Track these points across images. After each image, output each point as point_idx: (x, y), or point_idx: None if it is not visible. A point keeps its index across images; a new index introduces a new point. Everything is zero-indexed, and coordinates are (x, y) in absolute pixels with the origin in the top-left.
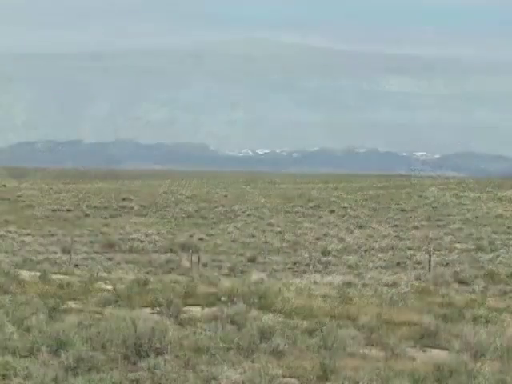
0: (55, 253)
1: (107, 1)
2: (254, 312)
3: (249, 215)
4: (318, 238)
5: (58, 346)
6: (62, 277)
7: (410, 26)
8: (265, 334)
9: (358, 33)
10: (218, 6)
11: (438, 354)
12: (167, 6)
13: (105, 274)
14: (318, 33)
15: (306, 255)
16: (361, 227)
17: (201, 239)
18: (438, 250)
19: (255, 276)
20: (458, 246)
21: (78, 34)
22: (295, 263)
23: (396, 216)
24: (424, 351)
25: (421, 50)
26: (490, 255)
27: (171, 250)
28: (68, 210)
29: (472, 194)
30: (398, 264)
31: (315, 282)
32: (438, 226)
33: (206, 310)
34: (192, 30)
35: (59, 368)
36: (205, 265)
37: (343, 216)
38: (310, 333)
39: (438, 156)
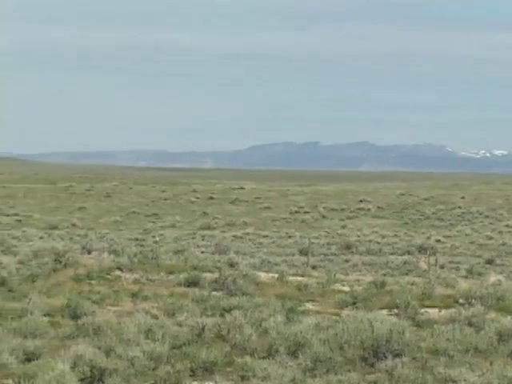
0: (293, 254)
1: (333, 5)
2: (492, 314)
3: (486, 217)
4: None
5: (296, 347)
6: (299, 278)
7: None
8: (503, 337)
9: None
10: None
11: None
12: (384, 9)
13: (342, 276)
14: None
15: None
16: None
17: (438, 241)
18: None
19: (493, 278)
20: None
21: (308, 37)
22: None
23: None
24: None
25: None
26: None
27: (408, 252)
28: (305, 212)
29: None
30: None
31: None
32: None
33: (443, 311)
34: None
35: (297, 369)
36: (442, 267)
37: None
38: None
39: None
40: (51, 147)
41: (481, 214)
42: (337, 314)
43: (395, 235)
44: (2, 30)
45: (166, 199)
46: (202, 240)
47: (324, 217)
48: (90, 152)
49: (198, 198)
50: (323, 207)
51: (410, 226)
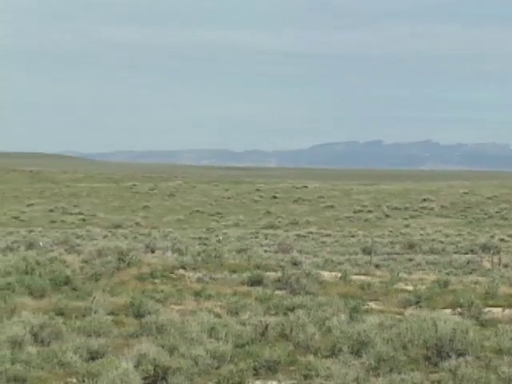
0: (356, 253)
1: (398, 3)
2: None
3: None
4: None
5: (359, 346)
6: (362, 277)
7: None
8: None
9: None
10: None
11: None
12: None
13: (405, 275)
14: None
15: None
16: None
17: (502, 240)
18: None
19: None
20: None
21: (370, 35)
22: None
23: None
24: None
25: None
26: None
27: (472, 251)
28: (369, 211)
29: None
30: None
31: None
32: None
33: (507, 310)
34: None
35: (360, 368)
36: (506, 266)
37: None
38: None
39: None
40: (113, 146)
41: None
42: (400, 313)
43: (459, 234)
44: (64, 29)
45: (229, 198)
46: (266, 239)
47: (387, 216)
48: (153, 151)
49: (261, 197)
50: (386, 206)
51: (473, 225)
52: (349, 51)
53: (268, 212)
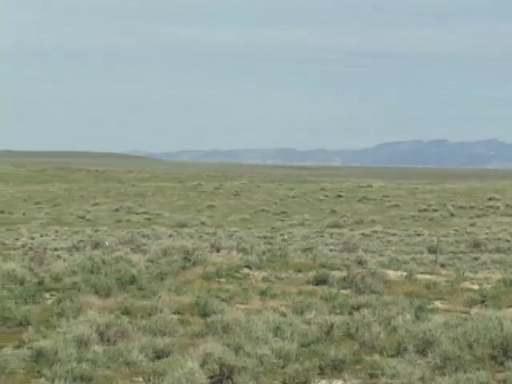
0: (421, 253)
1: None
2: None
3: None
4: None
5: (425, 345)
6: (428, 277)
7: None
8: None
9: None
10: None
11: None
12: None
13: (471, 274)
14: None
15: None
16: None
17: None
18: None
19: None
20: None
21: (434, 35)
22: None
23: None
24: None
25: None
26: None
27: None
28: (434, 210)
29: None
30: None
31: None
32: None
33: None
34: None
35: (426, 367)
36: None
37: None
38: None
39: None
40: (179, 146)
41: None
42: (466, 313)
43: None
44: (128, 29)
45: (294, 197)
46: (331, 238)
47: (453, 215)
48: (218, 151)
49: (326, 196)
50: (452, 205)
51: None
52: (413, 50)
53: (333, 211)
